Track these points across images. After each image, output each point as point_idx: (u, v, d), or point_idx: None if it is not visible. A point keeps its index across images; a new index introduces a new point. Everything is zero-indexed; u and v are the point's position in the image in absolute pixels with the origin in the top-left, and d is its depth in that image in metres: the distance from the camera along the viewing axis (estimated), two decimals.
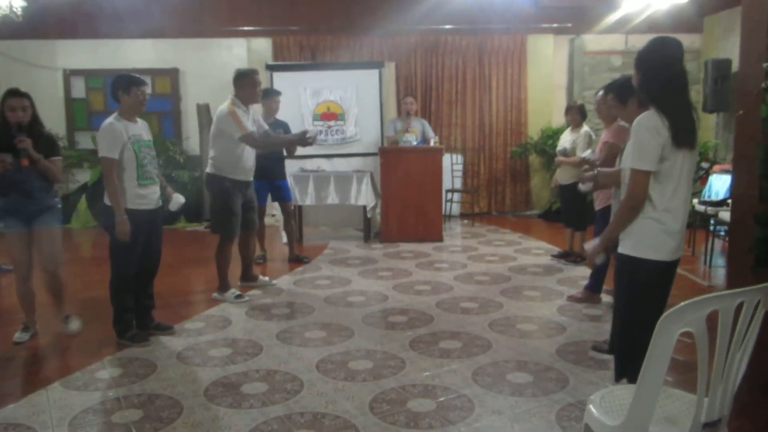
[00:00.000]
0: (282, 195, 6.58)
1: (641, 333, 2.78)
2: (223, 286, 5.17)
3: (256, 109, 5.43)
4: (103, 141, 3.96)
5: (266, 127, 5.42)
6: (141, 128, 4.17)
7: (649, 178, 2.56)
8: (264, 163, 6.33)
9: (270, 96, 6.41)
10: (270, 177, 6.40)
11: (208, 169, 5.18)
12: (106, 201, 4.02)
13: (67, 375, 3.60)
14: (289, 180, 6.97)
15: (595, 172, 3.58)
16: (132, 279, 4.12)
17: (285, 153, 6.28)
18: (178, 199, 4.41)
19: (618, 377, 2.86)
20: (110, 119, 4.03)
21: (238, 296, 5.12)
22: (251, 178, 5.25)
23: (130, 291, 4.13)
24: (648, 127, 2.55)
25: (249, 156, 5.15)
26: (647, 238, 2.63)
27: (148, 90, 4.17)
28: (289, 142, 5.58)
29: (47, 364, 3.81)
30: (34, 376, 3.60)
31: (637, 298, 2.72)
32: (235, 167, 5.06)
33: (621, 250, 2.70)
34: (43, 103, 9.20)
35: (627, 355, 2.77)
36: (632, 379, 2.40)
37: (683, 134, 2.57)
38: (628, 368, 2.73)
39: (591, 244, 3.01)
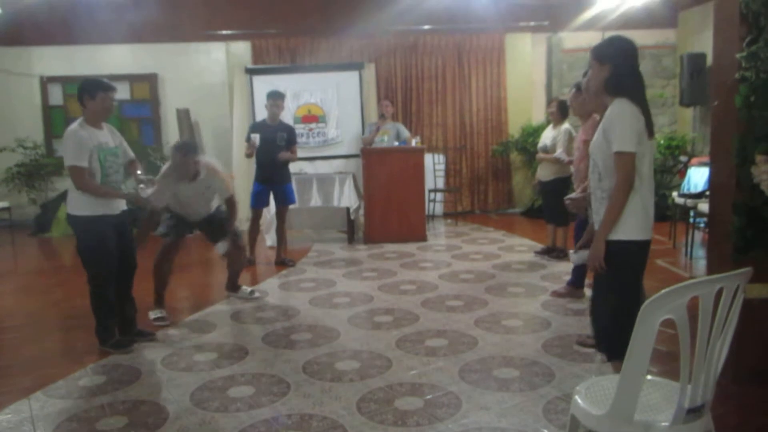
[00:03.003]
0: (284, 198, 6.56)
1: (635, 312, 2.87)
2: (235, 285, 5.26)
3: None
4: (68, 150, 3.81)
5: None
6: (107, 135, 4.04)
7: (635, 160, 2.68)
8: (266, 165, 6.33)
9: (274, 98, 6.39)
10: (272, 180, 6.39)
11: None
12: (71, 212, 3.96)
13: (49, 383, 3.55)
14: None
15: (583, 195, 3.80)
16: (108, 281, 4.02)
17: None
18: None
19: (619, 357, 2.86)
20: (74, 126, 3.89)
21: (251, 292, 5.25)
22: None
23: (110, 296, 4.05)
24: (632, 112, 2.69)
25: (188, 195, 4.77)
26: (635, 221, 2.74)
27: (117, 96, 4.02)
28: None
29: (29, 373, 3.75)
30: (15, 386, 3.54)
31: (631, 279, 2.84)
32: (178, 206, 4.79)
33: (611, 236, 2.76)
34: (21, 110, 9.32)
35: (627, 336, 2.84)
36: None
37: (650, 123, 2.75)
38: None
39: (581, 256, 3.07)
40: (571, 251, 3.26)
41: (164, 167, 4.82)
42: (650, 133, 2.74)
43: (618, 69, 2.76)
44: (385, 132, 7.65)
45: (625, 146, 2.66)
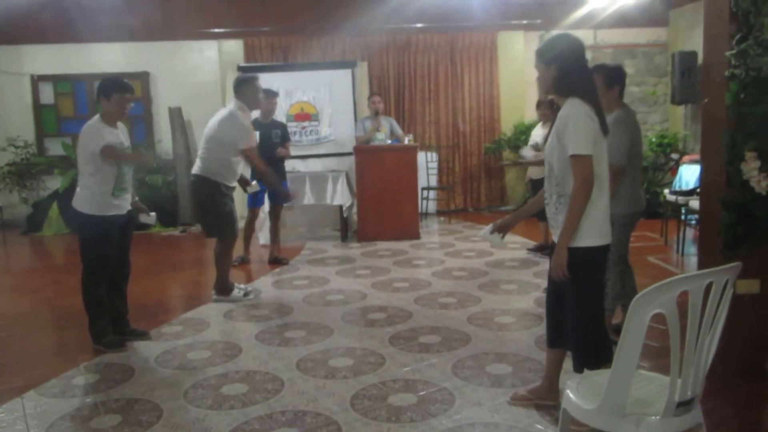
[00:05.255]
0: (281, 197, 6.54)
1: (602, 317, 2.86)
2: (226, 288, 5.08)
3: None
4: (91, 140, 3.86)
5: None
6: (121, 134, 4.08)
7: (592, 163, 2.60)
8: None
9: (267, 97, 6.38)
10: None
11: (197, 171, 4.98)
12: (74, 206, 3.98)
13: (42, 382, 3.54)
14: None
15: None
16: (103, 277, 4.03)
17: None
18: (148, 219, 4.39)
19: (595, 366, 2.70)
20: (93, 122, 3.94)
21: (246, 294, 5.14)
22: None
23: (102, 294, 4.05)
24: (585, 113, 2.61)
25: (241, 161, 5.11)
26: (596, 226, 2.67)
27: (132, 96, 4.03)
28: (268, 174, 5.31)
29: (21, 372, 3.74)
30: (8, 385, 3.53)
31: (598, 285, 2.79)
32: (230, 173, 4.99)
33: (573, 244, 2.66)
34: (11, 109, 9.28)
35: (602, 342, 2.80)
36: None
37: (604, 121, 2.69)
38: (605, 354, 2.75)
39: (485, 232, 3.20)
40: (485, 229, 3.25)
41: (235, 114, 4.94)
42: (604, 131, 2.68)
43: (564, 69, 2.67)
44: (383, 129, 7.64)
45: (581, 149, 2.57)
